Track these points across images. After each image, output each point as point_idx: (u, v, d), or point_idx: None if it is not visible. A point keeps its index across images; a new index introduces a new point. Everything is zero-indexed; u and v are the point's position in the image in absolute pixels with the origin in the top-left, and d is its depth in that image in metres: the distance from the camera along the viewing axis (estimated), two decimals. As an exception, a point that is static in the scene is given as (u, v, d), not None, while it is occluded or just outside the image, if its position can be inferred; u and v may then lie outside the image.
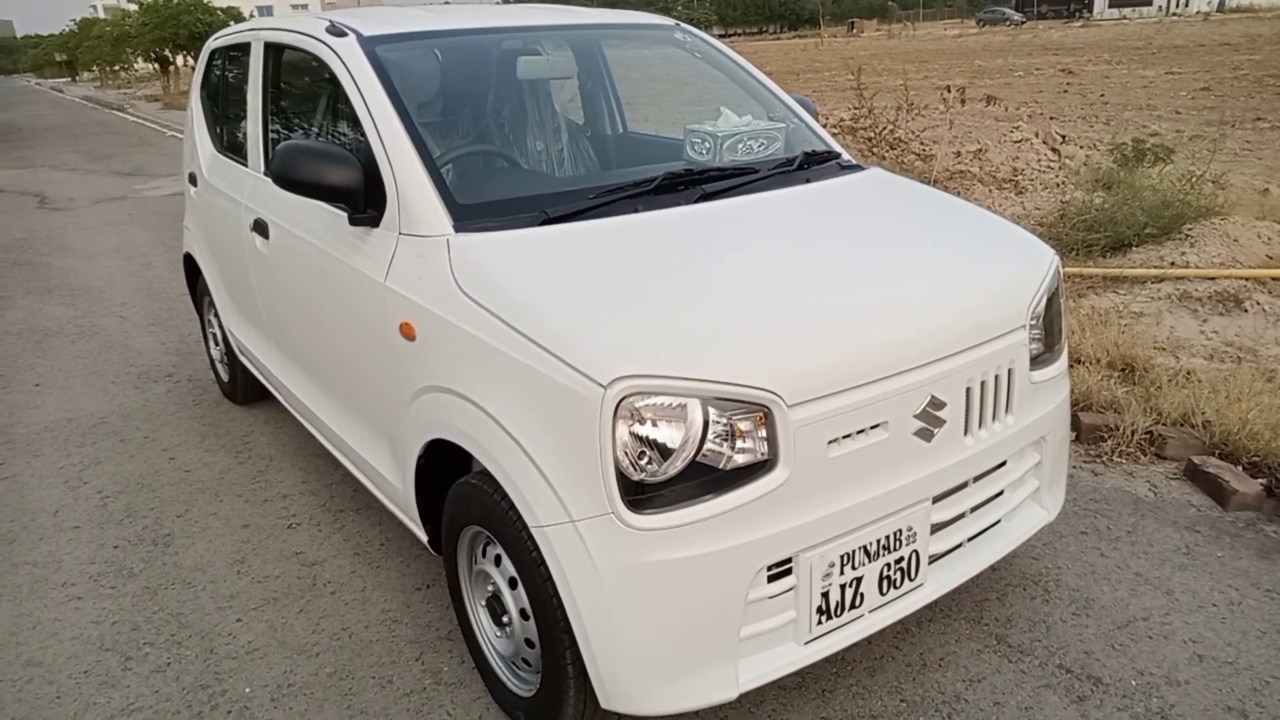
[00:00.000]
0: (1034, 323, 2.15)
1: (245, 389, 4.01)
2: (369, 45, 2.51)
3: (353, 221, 2.30)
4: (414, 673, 2.35)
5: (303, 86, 2.99)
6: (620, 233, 2.11)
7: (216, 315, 3.92)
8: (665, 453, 1.68)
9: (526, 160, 2.83)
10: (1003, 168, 7.85)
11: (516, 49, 2.93)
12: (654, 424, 1.67)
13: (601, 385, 1.63)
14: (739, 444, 1.71)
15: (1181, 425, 3.33)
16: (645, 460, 1.68)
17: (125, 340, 5.24)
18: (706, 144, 2.66)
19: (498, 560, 2.05)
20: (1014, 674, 2.22)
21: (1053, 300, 2.26)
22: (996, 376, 2.05)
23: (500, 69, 2.90)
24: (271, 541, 3.02)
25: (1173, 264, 5.30)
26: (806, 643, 1.87)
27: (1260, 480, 2.96)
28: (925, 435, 1.92)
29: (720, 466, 1.71)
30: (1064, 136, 8.43)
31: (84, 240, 8.11)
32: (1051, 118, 13.15)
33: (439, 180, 2.20)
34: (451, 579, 2.28)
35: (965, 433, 2.00)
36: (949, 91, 8.02)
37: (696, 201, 2.30)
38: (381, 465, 2.47)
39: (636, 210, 2.20)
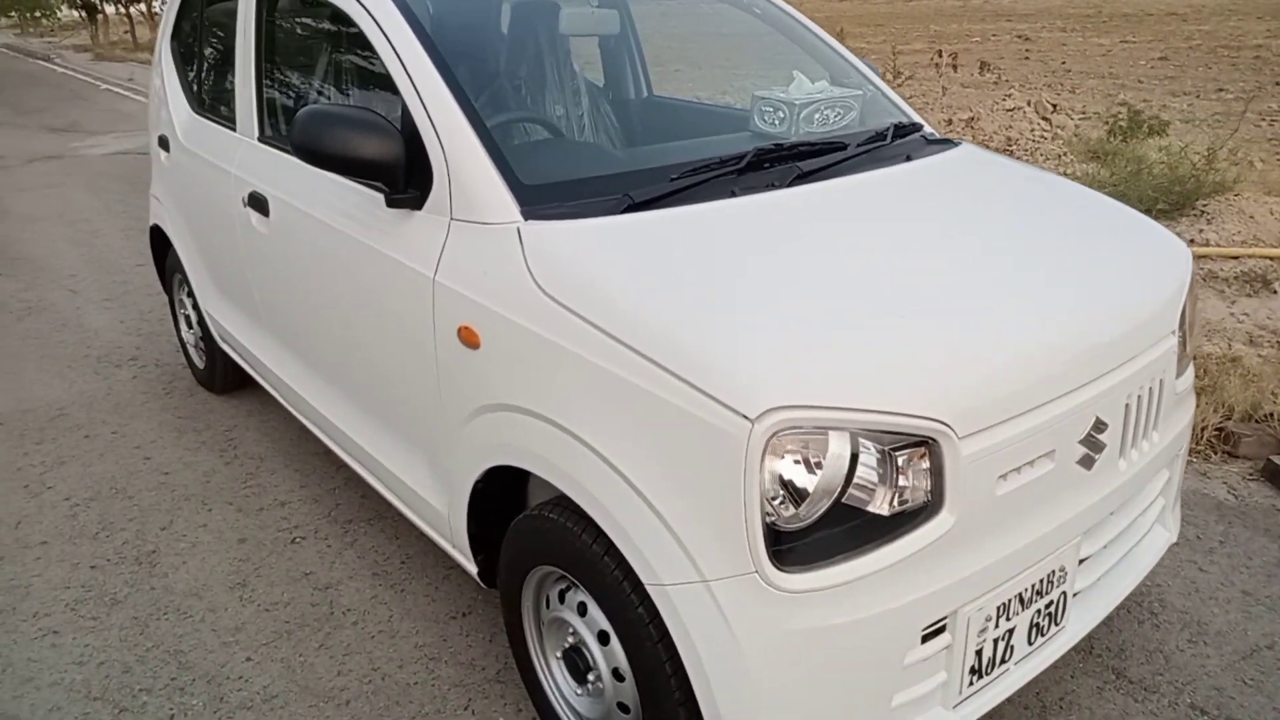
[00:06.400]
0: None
1: (225, 377, 3.61)
2: (397, -9, 2.13)
3: (391, 203, 1.95)
4: (464, 724, 2.05)
5: (309, 39, 2.58)
6: (720, 222, 1.79)
7: (191, 295, 3.51)
8: (817, 497, 1.39)
9: (585, 132, 2.48)
10: (996, 137, 7.66)
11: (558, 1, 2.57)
12: (804, 463, 1.38)
13: (748, 419, 1.33)
14: (901, 484, 1.43)
15: (1250, 420, 3.15)
16: (789, 506, 1.39)
17: (79, 318, 4.76)
18: (780, 114, 2.35)
19: (582, 609, 1.74)
20: (1144, 717, 2.00)
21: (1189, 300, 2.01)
22: (1150, 389, 1.79)
23: (545, 23, 2.53)
24: (275, 559, 2.67)
25: (1192, 241, 5.14)
26: (955, 706, 1.61)
27: (1348, 483, 2.79)
28: (1087, 462, 1.66)
29: (879, 513, 1.42)
30: (1054, 105, 8.24)
31: (21, 203, 7.47)
32: (1009, 85, 13.03)
33: (498, 156, 1.85)
34: (510, 618, 1.97)
35: (1120, 455, 1.75)
36: (940, 57, 7.75)
37: (792, 183, 1.99)
38: (418, 485, 2.13)
39: (733, 194, 1.88)
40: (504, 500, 1.98)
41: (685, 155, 2.04)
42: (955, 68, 7.98)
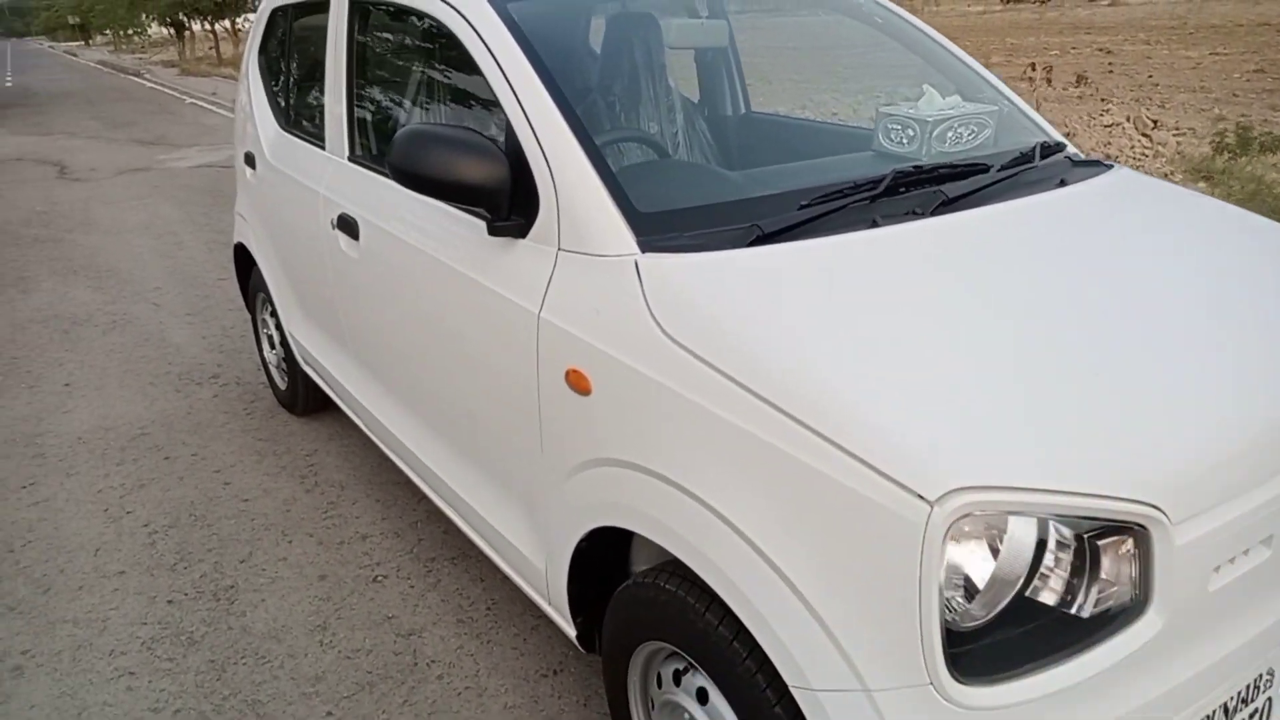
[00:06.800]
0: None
1: (307, 400, 3.52)
2: (500, 2, 1.98)
3: (493, 231, 1.79)
4: (560, 803, 1.87)
5: (403, 53, 2.45)
6: (864, 257, 1.59)
7: (275, 315, 3.42)
8: (992, 586, 1.17)
9: (694, 153, 2.30)
10: (1093, 154, 7.28)
11: (663, 8, 2.39)
12: (985, 552, 1.16)
13: (927, 501, 1.12)
14: (1101, 579, 1.20)
15: None
16: (961, 598, 1.18)
17: (162, 332, 4.75)
18: (910, 131, 2.13)
19: (702, 696, 1.54)
20: (1346, 835, 1.72)
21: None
22: (1365, 458, 1.53)
23: (644, 35, 2.36)
24: (356, 600, 2.53)
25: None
26: (1146, 833, 1.37)
27: None
28: (1302, 547, 1.41)
29: (1074, 613, 1.20)
30: (1155, 121, 7.81)
31: (109, 215, 7.61)
32: (1104, 99, 12.45)
33: (611, 181, 1.67)
34: (614, 692, 1.79)
35: (1332, 536, 1.49)
36: (1033, 70, 7.41)
37: (934, 211, 1.77)
38: (514, 536, 1.96)
39: (874, 224, 1.67)
40: (607, 561, 1.80)
41: (810, 179, 1.84)
42: (1050, 81, 7.61)
